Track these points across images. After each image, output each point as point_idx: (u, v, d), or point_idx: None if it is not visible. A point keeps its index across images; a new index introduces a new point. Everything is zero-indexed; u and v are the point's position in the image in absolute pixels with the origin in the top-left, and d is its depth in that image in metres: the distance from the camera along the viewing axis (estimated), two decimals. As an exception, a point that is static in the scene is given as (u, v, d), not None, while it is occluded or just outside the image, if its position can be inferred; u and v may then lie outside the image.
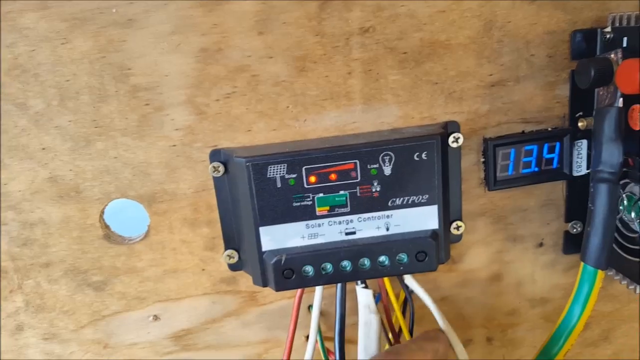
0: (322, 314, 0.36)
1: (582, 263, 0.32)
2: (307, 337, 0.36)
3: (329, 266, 0.32)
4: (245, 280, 0.36)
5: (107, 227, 0.35)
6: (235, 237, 0.34)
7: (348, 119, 0.33)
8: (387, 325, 0.35)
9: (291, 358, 0.36)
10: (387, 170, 0.31)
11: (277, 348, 0.38)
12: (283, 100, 0.32)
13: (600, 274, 0.32)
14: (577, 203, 0.36)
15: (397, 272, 0.32)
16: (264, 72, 0.32)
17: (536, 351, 0.36)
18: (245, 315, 0.37)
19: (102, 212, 0.34)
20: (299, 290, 0.34)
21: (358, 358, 0.34)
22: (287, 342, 0.34)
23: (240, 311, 0.37)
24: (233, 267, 0.35)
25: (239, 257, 0.35)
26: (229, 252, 0.35)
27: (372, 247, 0.32)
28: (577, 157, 0.35)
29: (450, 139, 0.33)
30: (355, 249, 0.32)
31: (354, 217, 0.31)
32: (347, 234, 0.32)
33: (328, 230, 0.32)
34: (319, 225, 0.32)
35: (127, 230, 0.36)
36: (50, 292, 0.35)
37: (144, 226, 0.35)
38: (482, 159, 0.35)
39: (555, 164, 0.35)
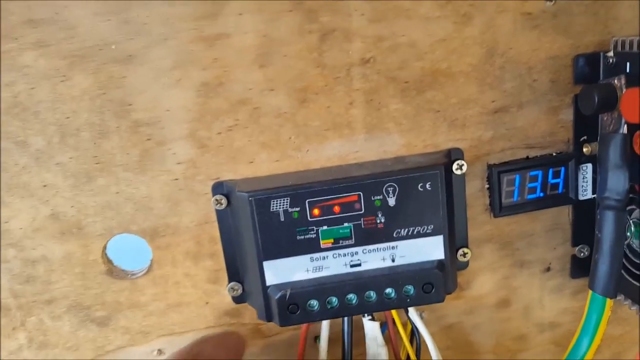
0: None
1: (590, 291, 0.32)
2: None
3: (334, 300, 0.31)
4: (249, 312, 0.36)
5: (109, 262, 0.34)
6: (239, 269, 0.34)
7: (350, 149, 0.33)
8: (393, 356, 0.34)
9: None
10: (392, 202, 0.30)
11: (284, 380, 0.38)
12: (285, 132, 0.32)
13: (609, 302, 0.31)
14: (584, 227, 0.36)
15: (404, 305, 0.32)
16: (265, 105, 0.32)
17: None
18: (250, 348, 0.37)
19: (105, 248, 0.34)
20: (304, 325, 0.33)
21: None
22: None
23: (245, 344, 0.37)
24: (237, 300, 0.35)
25: (243, 289, 0.34)
26: (232, 284, 0.34)
27: (378, 279, 0.31)
28: (583, 182, 0.35)
29: (454, 166, 0.33)
30: (361, 282, 0.31)
31: (359, 249, 0.31)
32: (352, 266, 0.31)
33: (333, 263, 0.31)
34: (324, 258, 0.31)
35: (130, 263, 0.35)
36: (54, 328, 0.35)
37: (146, 258, 0.35)
38: (487, 185, 0.35)
39: (560, 189, 0.35)
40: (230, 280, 0.34)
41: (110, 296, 0.34)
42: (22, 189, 0.32)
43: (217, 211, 0.33)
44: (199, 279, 0.35)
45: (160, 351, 0.36)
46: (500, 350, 0.39)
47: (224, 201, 0.32)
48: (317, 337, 0.36)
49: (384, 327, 0.35)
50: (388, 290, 0.31)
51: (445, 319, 0.38)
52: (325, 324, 0.33)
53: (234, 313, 0.36)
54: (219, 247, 0.34)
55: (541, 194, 0.35)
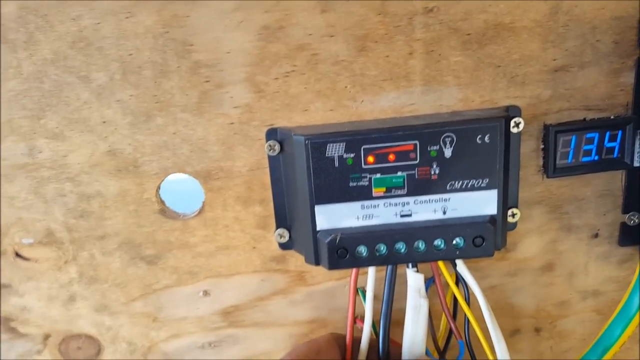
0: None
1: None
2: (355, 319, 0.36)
3: (382, 247, 0.31)
4: (294, 259, 0.36)
5: (162, 202, 0.35)
6: (287, 216, 0.34)
7: (406, 101, 0.33)
8: (442, 306, 0.34)
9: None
10: (448, 153, 0.30)
11: (323, 329, 0.38)
12: (341, 80, 0.32)
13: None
14: (636, 194, 0.35)
15: (453, 256, 0.32)
16: (324, 51, 0.32)
17: (587, 343, 0.36)
18: (292, 295, 0.37)
19: (159, 187, 0.34)
20: (354, 272, 0.34)
21: (404, 341, 0.34)
22: (348, 323, 0.34)
23: (288, 290, 0.37)
24: (283, 246, 0.35)
25: (290, 237, 0.35)
26: (280, 231, 0.35)
27: (428, 230, 0.31)
28: (639, 147, 0.34)
29: (511, 123, 0.32)
30: (411, 232, 0.31)
31: (411, 199, 0.31)
32: (402, 216, 0.32)
33: (383, 212, 0.31)
34: (375, 207, 0.31)
35: (181, 208, 0.36)
36: (104, 264, 0.36)
37: (196, 204, 0.35)
38: (542, 146, 0.34)
39: (616, 153, 0.34)
40: (278, 226, 0.35)
41: (161, 235, 0.35)
42: (82, 124, 0.33)
43: (270, 157, 0.33)
44: (248, 224, 0.35)
45: (205, 292, 0.37)
46: (541, 315, 0.39)
47: (277, 147, 0.33)
48: (358, 290, 0.37)
49: (429, 281, 0.35)
50: (437, 241, 0.31)
51: (488, 279, 0.38)
52: (371, 274, 0.33)
53: (280, 259, 0.36)
54: (268, 194, 0.34)
55: (596, 158, 0.34)
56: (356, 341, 0.35)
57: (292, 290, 0.37)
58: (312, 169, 0.30)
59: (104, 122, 0.32)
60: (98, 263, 0.36)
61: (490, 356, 0.33)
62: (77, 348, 0.38)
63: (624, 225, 0.37)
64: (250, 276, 0.37)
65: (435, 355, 0.36)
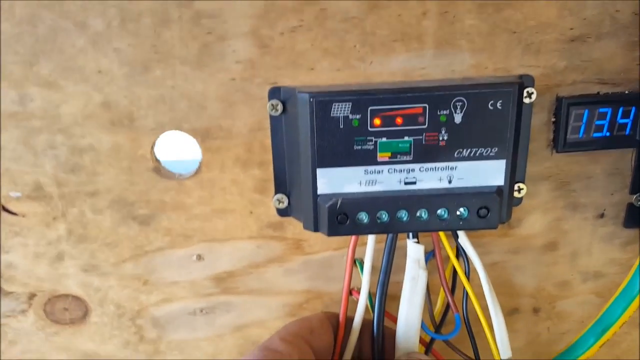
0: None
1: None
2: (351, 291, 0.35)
3: (384, 215, 0.30)
4: (292, 227, 0.35)
5: (157, 160, 0.34)
6: (287, 181, 0.33)
7: (417, 64, 0.32)
8: (440, 279, 0.33)
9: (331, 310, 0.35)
10: (458, 118, 0.29)
11: (318, 299, 0.37)
12: (350, 39, 0.31)
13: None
14: (646, 174, 0.35)
15: (456, 227, 0.31)
16: (333, 6, 0.30)
17: (585, 326, 0.35)
18: (289, 263, 0.36)
19: (154, 144, 0.33)
20: (353, 241, 0.33)
21: (399, 312, 0.33)
22: (344, 294, 0.33)
23: (284, 258, 0.36)
24: (282, 213, 0.34)
25: (289, 203, 0.34)
26: (279, 196, 0.33)
27: (432, 199, 0.30)
28: (653, 125, 0.33)
29: (524, 93, 0.31)
30: (414, 200, 0.30)
31: (417, 166, 0.30)
32: (406, 183, 0.30)
33: (387, 178, 0.30)
34: (379, 172, 0.30)
35: (177, 169, 0.35)
36: (94, 222, 0.34)
37: (193, 166, 0.34)
38: (553, 119, 0.33)
39: (628, 130, 0.33)
40: (277, 191, 0.33)
41: (155, 195, 0.34)
42: (77, 73, 0.31)
43: (272, 118, 0.32)
44: (246, 187, 0.34)
45: (199, 256, 0.35)
46: (541, 294, 0.38)
47: (279, 107, 0.31)
48: (356, 261, 0.36)
49: (428, 255, 0.34)
50: (441, 211, 0.30)
51: (489, 255, 0.37)
52: (370, 243, 0.32)
53: (277, 226, 0.35)
54: (269, 157, 0.33)
55: (607, 134, 0.33)
56: (349, 320, 0.34)
57: (288, 258, 0.36)
58: (315, 129, 0.29)
59: (100, 71, 0.31)
60: (88, 221, 0.34)
61: (487, 332, 0.33)
62: (63, 309, 0.37)
63: (630, 206, 0.36)
64: (246, 242, 0.35)
65: (431, 329, 0.35)
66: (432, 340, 0.35)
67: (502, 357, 0.32)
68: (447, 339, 0.35)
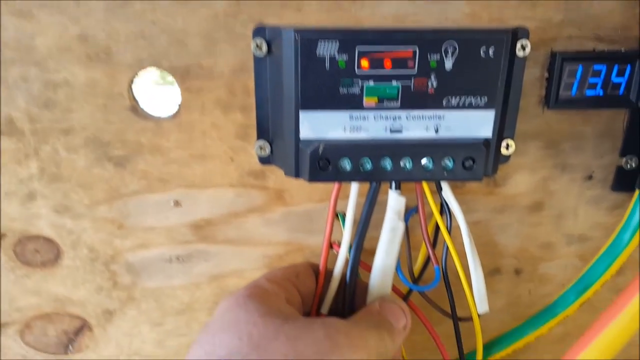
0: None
1: (637, 191, 0.30)
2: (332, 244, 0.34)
3: (368, 163, 0.29)
4: (274, 176, 0.34)
5: (134, 99, 0.32)
6: (270, 128, 0.32)
7: (409, 10, 0.30)
8: (422, 232, 0.33)
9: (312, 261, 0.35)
10: (448, 64, 0.28)
11: (299, 252, 0.37)
12: (341, -22, 0.30)
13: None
14: (636, 136, 0.34)
15: (440, 178, 0.30)
16: (324, -58, 0.29)
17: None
18: (269, 214, 0.35)
19: (132, 82, 0.32)
20: (335, 190, 0.32)
21: (375, 260, 0.33)
22: (324, 246, 0.33)
23: (265, 208, 0.35)
24: (263, 160, 0.33)
25: (271, 151, 0.33)
26: (260, 142, 0.32)
27: (418, 148, 0.29)
28: (647, 86, 0.32)
29: (518, 45, 0.30)
30: (399, 148, 0.29)
31: (403, 113, 0.29)
32: (392, 131, 0.29)
33: (372, 125, 0.29)
34: (364, 118, 0.29)
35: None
36: (68, 161, 0.33)
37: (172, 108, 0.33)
38: (546, 75, 0.32)
39: (621, 90, 0.32)
40: (259, 137, 0.32)
41: (131, 135, 0.33)
42: (53, 3, 0.29)
43: (255, 58, 0.30)
44: (227, 132, 0.33)
45: (177, 202, 0.34)
46: (523, 255, 0.38)
47: (264, 47, 0.30)
48: (338, 214, 0.35)
49: (411, 211, 0.33)
50: (426, 160, 0.29)
51: (473, 213, 0.36)
52: (354, 191, 0.32)
53: (258, 174, 0.34)
54: (251, 101, 0.32)
55: (600, 92, 0.32)
56: (329, 273, 0.34)
57: (269, 209, 0.35)
58: (300, 69, 0.28)
59: (77, 2, 0.29)
60: (61, 159, 0.33)
61: (465, 286, 0.32)
62: (34, 250, 0.36)
63: (619, 169, 0.35)
64: (226, 190, 0.34)
65: (409, 280, 0.34)
66: (410, 291, 0.35)
67: (479, 311, 0.32)
68: (425, 290, 0.34)
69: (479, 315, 0.33)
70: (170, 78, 0.31)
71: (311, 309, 0.34)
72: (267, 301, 0.29)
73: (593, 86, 0.32)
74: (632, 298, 0.28)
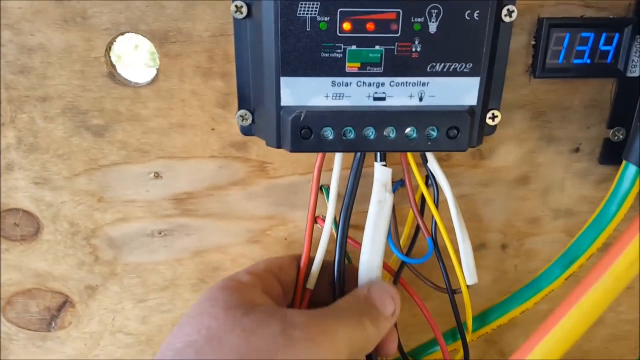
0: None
1: (623, 162, 0.30)
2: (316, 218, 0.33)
3: (350, 132, 0.29)
4: (256, 148, 0.34)
5: (112, 65, 0.31)
6: (251, 97, 0.31)
7: (393, -27, 0.30)
8: (410, 204, 0.32)
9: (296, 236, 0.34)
10: (432, 28, 0.27)
11: (282, 226, 0.36)
12: (323, -60, 0.29)
13: (644, 174, 0.29)
14: (624, 107, 0.33)
15: (424, 148, 0.29)
16: None
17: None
18: (252, 187, 0.35)
19: (109, 47, 0.31)
20: (318, 161, 0.31)
21: (364, 234, 0.32)
22: (309, 218, 0.32)
23: (247, 181, 0.35)
24: (245, 131, 0.32)
25: (253, 121, 0.32)
26: (242, 112, 0.31)
27: (401, 116, 0.29)
28: (635, 55, 0.32)
29: (504, 11, 0.29)
30: (383, 117, 0.29)
31: (387, 80, 0.28)
32: (375, 99, 0.29)
33: (355, 92, 0.29)
34: (347, 85, 0.28)
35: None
36: (45, 130, 0.32)
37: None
38: (533, 42, 0.32)
39: (609, 59, 0.32)
40: (240, 107, 0.31)
41: (109, 103, 0.32)
42: (25, -38, 0.29)
43: (235, 21, 0.29)
44: (207, 100, 0.32)
45: (157, 174, 0.34)
46: (510, 230, 0.37)
47: (244, 9, 0.29)
48: (322, 187, 0.34)
49: (397, 183, 0.33)
50: (409, 129, 0.29)
51: (459, 187, 0.36)
52: (338, 161, 0.31)
53: (240, 146, 0.33)
54: (232, 68, 0.31)
55: (588, 61, 0.32)
56: (311, 260, 0.33)
57: (251, 181, 0.35)
58: (280, 32, 0.27)
59: (50, -39, 0.29)
60: (39, 129, 0.32)
61: (454, 258, 0.32)
62: (13, 224, 0.35)
63: (606, 142, 0.35)
64: (207, 161, 0.34)
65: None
66: (402, 266, 0.34)
67: (468, 283, 0.32)
68: (418, 263, 0.34)
69: (467, 287, 0.33)
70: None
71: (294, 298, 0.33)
72: (237, 293, 0.28)
73: (580, 54, 0.32)
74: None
